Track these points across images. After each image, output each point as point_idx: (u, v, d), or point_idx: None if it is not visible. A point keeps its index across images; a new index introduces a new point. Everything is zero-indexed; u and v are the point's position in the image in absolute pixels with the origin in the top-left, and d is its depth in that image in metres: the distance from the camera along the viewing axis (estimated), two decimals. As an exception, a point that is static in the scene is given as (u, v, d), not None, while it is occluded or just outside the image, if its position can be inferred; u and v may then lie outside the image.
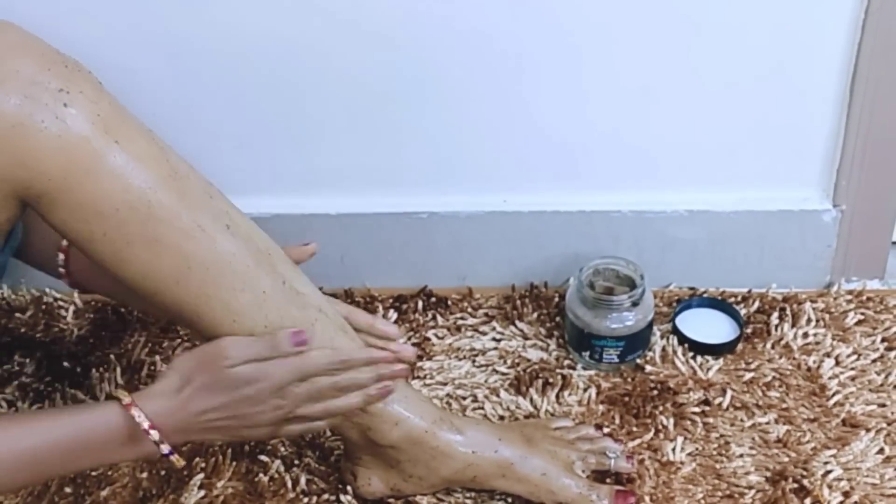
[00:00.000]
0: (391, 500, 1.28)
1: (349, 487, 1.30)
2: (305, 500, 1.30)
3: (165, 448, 1.07)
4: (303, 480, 1.32)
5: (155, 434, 1.06)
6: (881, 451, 1.33)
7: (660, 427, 1.37)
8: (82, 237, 1.02)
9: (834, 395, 1.40)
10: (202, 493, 1.31)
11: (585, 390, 1.43)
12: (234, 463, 1.34)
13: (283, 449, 1.36)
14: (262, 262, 1.10)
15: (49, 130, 0.96)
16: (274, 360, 1.08)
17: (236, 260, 1.07)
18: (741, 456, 1.33)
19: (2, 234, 1.06)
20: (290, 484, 1.32)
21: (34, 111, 0.96)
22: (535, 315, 1.56)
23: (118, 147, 0.99)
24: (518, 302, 1.58)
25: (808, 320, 1.52)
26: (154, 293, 1.06)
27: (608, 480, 1.29)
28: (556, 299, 1.59)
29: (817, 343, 1.49)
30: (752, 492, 1.28)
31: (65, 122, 0.96)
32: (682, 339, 1.50)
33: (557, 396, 1.42)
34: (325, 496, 1.30)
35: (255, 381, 1.08)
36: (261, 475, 1.33)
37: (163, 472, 1.34)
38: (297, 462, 1.35)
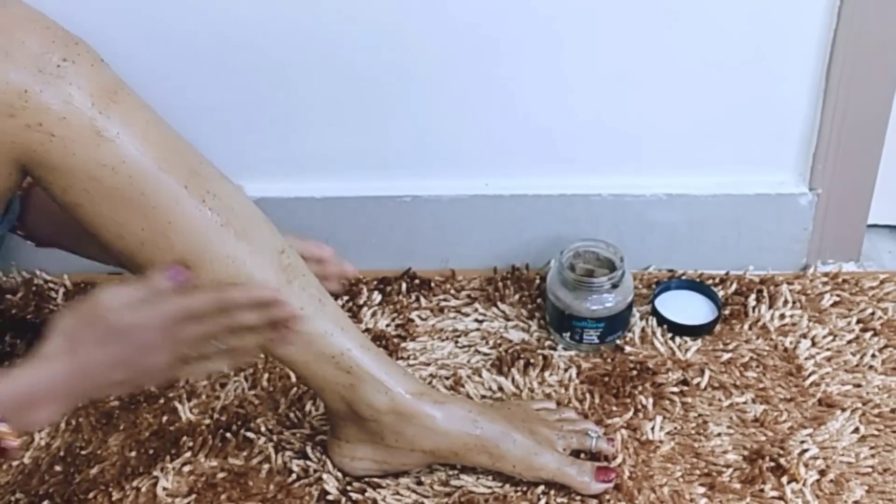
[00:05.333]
0: (375, 480, 1.26)
1: (333, 466, 1.27)
2: (290, 478, 1.27)
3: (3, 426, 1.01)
4: (288, 460, 1.29)
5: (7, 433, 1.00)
6: (856, 430, 1.30)
7: (639, 407, 1.35)
8: (76, 202, 1.04)
9: (810, 375, 1.38)
10: (188, 469, 1.29)
11: (566, 370, 1.41)
12: (221, 443, 1.32)
13: (268, 428, 1.34)
14: (241, 234, 1.10)
15: (52, 101, 0.99)
16: (156, 303, 1.04)
17: (213, 229, 1.08)
18: (719, 435, 1.31)
19: (2, 202, 1.08)
20: (275, 463, 1.29)
21: (39, 82, 0.98)
22: (517, 297, 1.54)
23: (117, 119, 1.02)
24: (500, 284, 1.56)
25: (785, 302, 1.50)
26: (134, 256, 1.08)
27: (582, 456, 1.27)
28: (538, 281, 1.56)
29: (794, 324, 1.46)
30: (730, 470, 1.26)
31: (68, 93, 1.00)
32: (661, 321, 1.47)
33: (539, 376, 1.40)
34: (310, 475, 1.27)
35: (140, 326, 1.03)
36: (246, 455, 1.30)
37: (150, 451, 1.31)
38: (282, 442, 1.32)
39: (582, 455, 1.27)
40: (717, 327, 1.47)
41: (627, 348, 1.44)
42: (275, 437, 1.33)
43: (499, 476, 1.25)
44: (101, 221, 1.05)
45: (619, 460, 1.27)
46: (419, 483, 1.26)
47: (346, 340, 1.17)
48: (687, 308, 1.49)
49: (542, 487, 1.23)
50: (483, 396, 1.38)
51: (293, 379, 1.40)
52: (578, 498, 1.22)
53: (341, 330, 1.17)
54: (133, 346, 1.03)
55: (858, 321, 1.47)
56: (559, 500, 1.22)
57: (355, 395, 1.19)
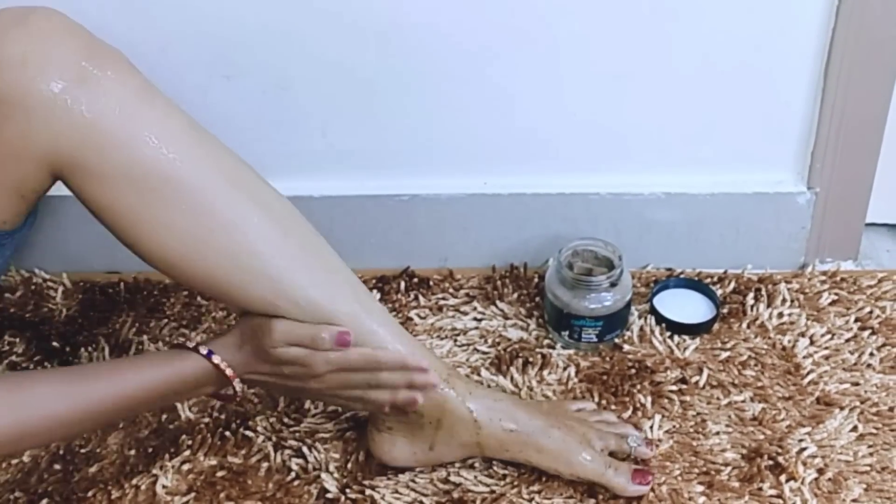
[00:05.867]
0: (374, 478, 1.26)
1: (333, 466, 1.27)
2: (290, 477, 1.27)
3: (238, 385, 1.16)
4: (287, 458, 1.29)
5: (238, 384, 1.16)
6: (854, 428, 1.30)
7: (638, 405, 1.34)
8: (114, 209, 1.07)
9: (808, 373, 1.38)
10: (187, 467, 1.29)
11: (565, 369, 1.40)
12: (220, 442, 1.31)
13: (267, 427, 1.34)
14: (290, 236, 1.14)
15: (87, 108, 1.03)
16: (315, 351, 1.13)
17: (261, 231, 1.11)
18: (717, 433, 1.30)
19: (30, 206, 1.10)
20: (274, 462, 1.29)
21: (73, 92, 1.02)
22: (516, 295, 1.54)
23: (153, 123, 1.06)
24: (498, 283, 1.56)
25: (783, 300, 1.49)
26: (181, 262, 1.10)
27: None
28: (536, 280, 1.56)
29: (792, 323, 1.46)
30: (729, 468, 1.25)
31: (103, 101, 1.04)
32: (660, 319, 1.47)
33: (537, 375, 1.40)
34: (310, 473, 1.27)
35: (294, 363, 1.14)
36: (245, 453, 1.30)
37: (149, 450, 1.31)
38: (281, 440, 1.32)
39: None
40: (716, 326, 1.46)
41: (626, 347, 1.44)
42: (274, 436, 1.32)
43: (497, 474, 1.25)
44: (141, 228, 1.08)
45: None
46: (417, 481, 1.25)
47: (394, 340, 1.18)
48: (685, 307, 1.48)
49: (537, 486, 1.23)
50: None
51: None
52: (577, 496, 1.22)
53: (394, 337, 1.18)
54: (282, 374, 1.16)
55: (856, 320, 1.46)
56: (556, 499, 1.22)
57: None
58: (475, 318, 1.51)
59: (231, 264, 1.10)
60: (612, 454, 1.25)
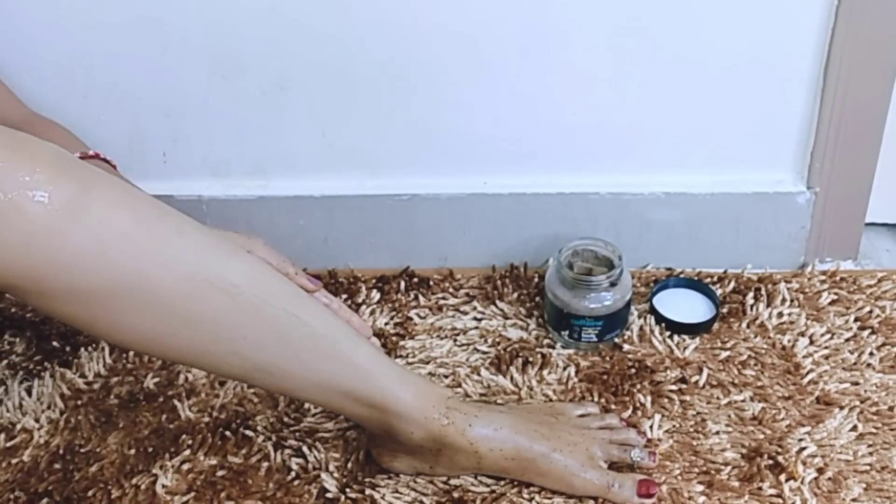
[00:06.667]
0: (374, 478, 1.26)
1: (333, 465, 1.27)
2: (290, 476, 1.27)
3: None
4: (287, 458, 1.29)
5: None
6: (854, 428, 1.30)
7: (638, 405, 1.34)
8: (65, 319, 0.97)
9: (808, 373, 1.38)
10: (187, 467, 1.28)
11: (565, 369, 1.40)
12: (220, 441, 1.31)
13: (267, 427, 1.33)
14: (261, 317, 1.05)
15: (13, 224, 0.86)
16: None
17: (226, 319, 1.03)
18: (717, 433, 1.30)
19: None
20: (274, 461, 1.29)
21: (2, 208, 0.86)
22: (515, 295, 1.54)
23: (86, 226, 0.90)
24: (498, 282, 1.56)
25: (783, 300, 1.49)
26: (164, 356, 1.07)
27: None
28: (536, 280, 1.56)
29: (792, 322, 1.46)
30: (728, 468, 1.25)
31: (27, 212, 0.86)
32: (660, 319, 1.47)
33: (537, 375, 1.39)
34: (310, 473, 1.27)
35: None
36: (245, 453, 1.30)
37: (150, 450, 1.31)
38: (281, 440, 1.31)
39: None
40: (716, 325, 1.46)
41: (626, 346, 1.44)
42: (273, 436, 1.32)
43: (497, 475, 1.25)
44: (99, 331, 0.99)
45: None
46: (418, 481, 1.25)
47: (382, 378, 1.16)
48: (685, 306, 1.48)
49: (537, 486, 1.23)
50: (482, 395, 1.37)
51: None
52: (577, 496, 1.22)
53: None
54: None
55: (856, 319, 1.46)
56: (557, 499, 1.22)
57: (395, 431, 1.18)
58: (475, 318, 1.51)
59: (197, 354, 1.04)
60: (615, 463, 1.25)
